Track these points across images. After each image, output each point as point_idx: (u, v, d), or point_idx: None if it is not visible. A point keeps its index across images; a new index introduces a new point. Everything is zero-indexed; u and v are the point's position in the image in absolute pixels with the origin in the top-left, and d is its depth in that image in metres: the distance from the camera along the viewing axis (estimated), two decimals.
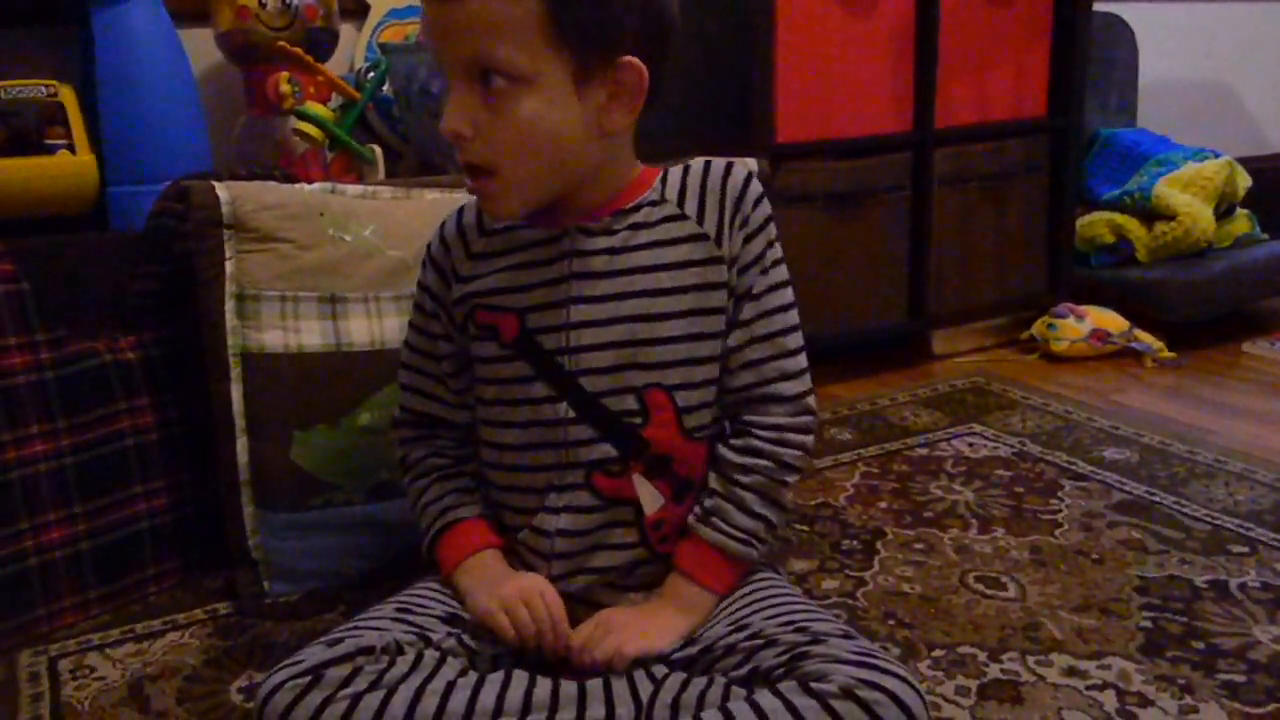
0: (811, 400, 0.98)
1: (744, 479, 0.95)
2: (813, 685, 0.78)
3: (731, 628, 0.90)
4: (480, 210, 1.00)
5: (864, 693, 0.77)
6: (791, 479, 0.97)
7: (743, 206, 0.95)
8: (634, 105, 0.89)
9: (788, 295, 0.97)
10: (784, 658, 0.83)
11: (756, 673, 0.84)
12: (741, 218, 0.95)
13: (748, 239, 0.95)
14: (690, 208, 0.95)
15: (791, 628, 0.86)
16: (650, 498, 0.96)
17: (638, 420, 0.94)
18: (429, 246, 1.03)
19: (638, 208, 0.95)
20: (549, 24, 0.83)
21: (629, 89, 0.88)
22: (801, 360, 0.98)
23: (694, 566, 0.95)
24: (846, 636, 0.85)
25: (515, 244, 0.97)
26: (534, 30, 0.83)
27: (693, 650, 0.91)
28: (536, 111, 0.85)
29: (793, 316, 0.97)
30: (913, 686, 0.79)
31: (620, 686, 0.86)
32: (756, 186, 0.96)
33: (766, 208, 0.96)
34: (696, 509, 0.97)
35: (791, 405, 0.96)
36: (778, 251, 0.97)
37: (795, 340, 0.97)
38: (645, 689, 0.86)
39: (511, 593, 0.92)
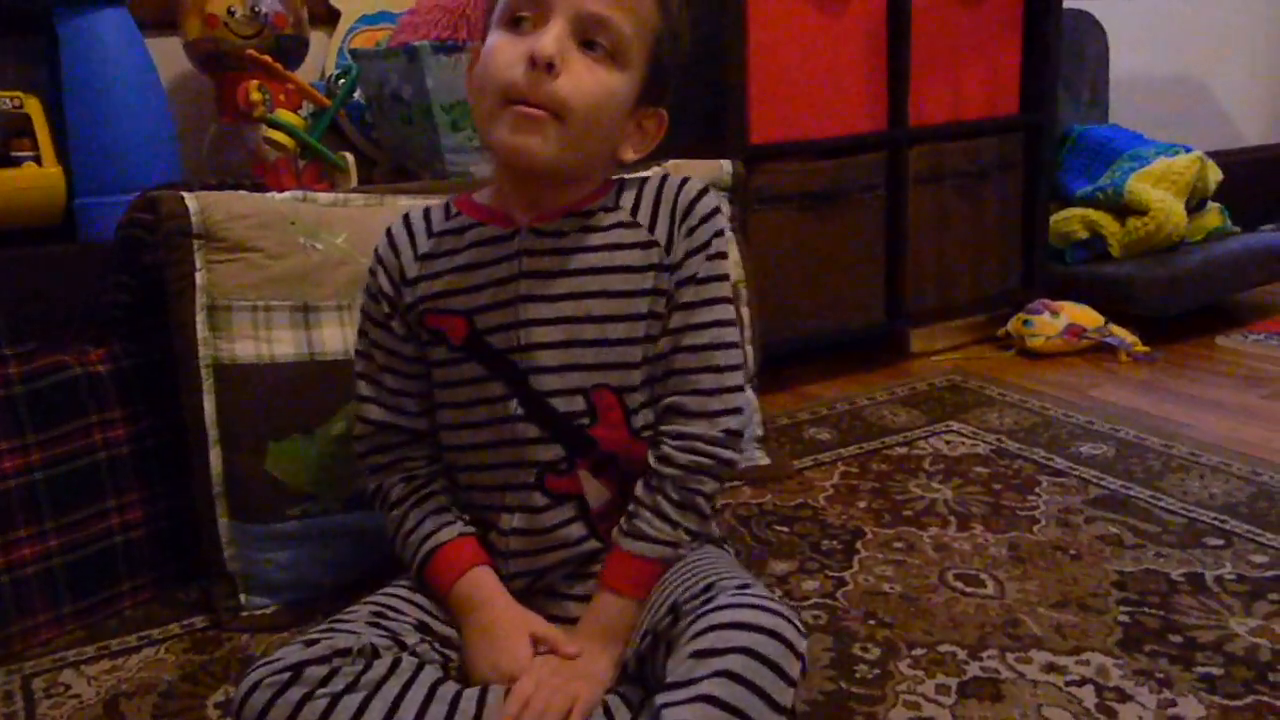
0: (732, 421, 0.95)
1: (658, 485, 0.94)
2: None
3: (640, 639, 0.88)
4: (429, 214, 1.02)
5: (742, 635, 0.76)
6: (707, 487, 0.95)
7: (689, 219, 0.96)
8: (645, 149, 0.97)
9: (723, 312, 0.97)
10: (685, 622, 0.81)
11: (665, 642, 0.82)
12: (687, 228, 0.96)
13: (690, 251, 0.96)
14: (643, 216, 0.97)
15: (668, 611, 0.85)
16: (595, 493, 0.97)
17: (585, 420, 0.95)
18: (375, 251, 1.03)
19: (590, 212, 0.97)
20: (655, 32, 0.91)
21: (647, 135, 0.97)
22: (728, 379, 0.96)
23: (617, 580, 0.94)
24: (705, 590, 0.83)
25: (463, 244, 0.98)
26: (648, 28, 0.91)
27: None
28: (615, 86, 0.90)
29: (727, 334, 0.96)
30: (785, 617, 0.78)
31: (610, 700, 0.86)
32: (710, 201, 0.98)
33: (718, 223, 0.97)
34: (622, 521, 0.96)
35: (708, 421, 0.95)
36: (720, 267, 0.97)
37: (725, 358, 0.96)
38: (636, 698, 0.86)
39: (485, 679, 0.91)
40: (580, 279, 0.95)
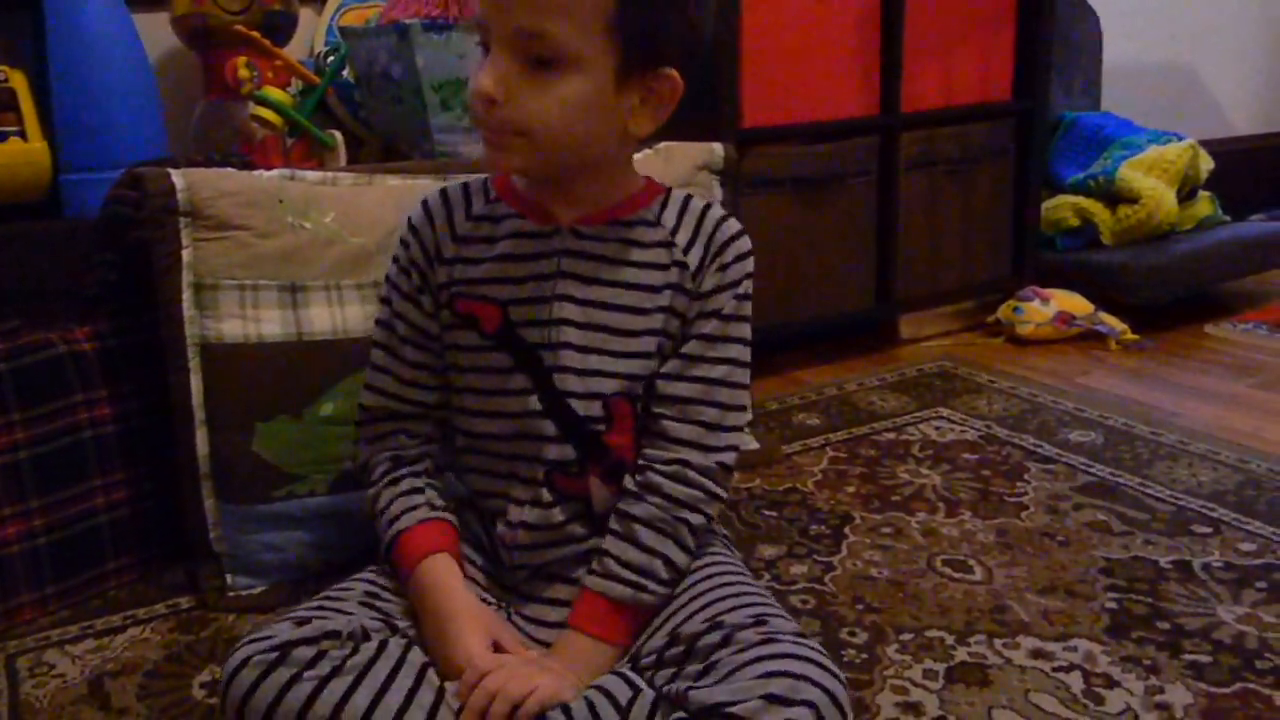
0: (725, 457, 0.95)
1: (637, 511, 0.93)
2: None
3: (666, 639, 0.87)
4: (468, 192, 1.00)
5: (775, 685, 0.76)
6: (693, 519, 0.94)
7: (724, 255, 0.96)
8: (662, 115, 0.92)
9: (741, 353, 0.97)
10: (699, 666, 0.82)
11: (680, 690, 0.81)
12: (720, 264, 0.96)
13: (721, 287, 0.96)
14: (681, 239, 0.96)
15: (708, 624, 0.85)
16: (602, 498, 0.97)
17: (601, 426, 0.95)
18: (410, 221, 1.01)
19: (632, 224, 0.96)
20: (614, 13, 0.84)
21: (662, 99, 0.91)
22: (731, 418, 0.96)
23: (584, 620, 0.91)
24: (759, 623, 0.84)
25: (502, 234, 0.97)
26: (598, 16, 0.84)
27: (626, 661, 0.89)
28: (575, 93, 0.86)
29: (738, 375, 0.97)
30: (827, 670, 0.79)
31: (592, 695, 0.84)
32: (746, 243, 0.98)
33: (749, 265, 0.98)
34: (593, 561, 0.94)
35: (702, 452, 0.94)
36: (746, 309, 0.97)
37: (730, 396, 0.96)
38: (623, 692, 0.85)
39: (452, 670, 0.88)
40: (614, 290, 0.95)
